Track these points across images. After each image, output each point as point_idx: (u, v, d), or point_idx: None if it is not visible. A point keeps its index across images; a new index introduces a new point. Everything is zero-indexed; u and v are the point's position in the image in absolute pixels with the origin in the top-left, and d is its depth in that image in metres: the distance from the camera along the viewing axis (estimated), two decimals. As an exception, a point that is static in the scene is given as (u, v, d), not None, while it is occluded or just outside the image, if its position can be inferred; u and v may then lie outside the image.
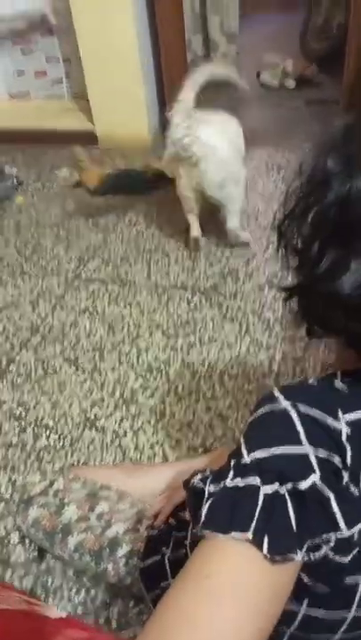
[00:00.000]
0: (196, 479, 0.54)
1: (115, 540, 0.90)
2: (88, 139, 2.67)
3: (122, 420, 1.29)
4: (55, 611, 0.68)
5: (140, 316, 1.59)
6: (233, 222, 1.75)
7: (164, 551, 0.85)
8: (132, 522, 0.91)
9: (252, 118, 2.78)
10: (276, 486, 0.43)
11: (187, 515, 0.89)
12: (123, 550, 0.89)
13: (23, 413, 1.34)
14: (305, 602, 0.49)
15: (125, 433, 1.26)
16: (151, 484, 1.01)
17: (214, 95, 3.01)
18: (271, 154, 2.36)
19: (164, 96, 2.50)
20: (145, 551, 0.86)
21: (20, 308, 1.69)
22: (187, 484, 0.58)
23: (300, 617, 0.50)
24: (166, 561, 0.84)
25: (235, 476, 0.45)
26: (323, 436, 0.45)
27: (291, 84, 2.97)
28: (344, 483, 0.44)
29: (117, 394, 1.36)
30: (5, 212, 2.23)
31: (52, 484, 1.01)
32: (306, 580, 0.47)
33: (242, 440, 0.47)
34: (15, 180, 2.35)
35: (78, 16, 2.35)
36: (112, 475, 1.05)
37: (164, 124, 2.60)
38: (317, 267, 0.47)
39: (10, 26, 2.86)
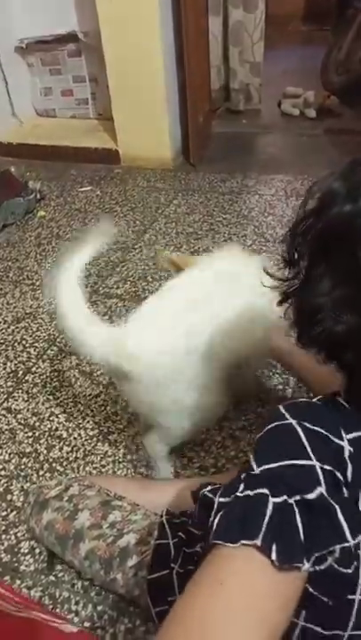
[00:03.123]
0: (206, 490, 0.56)
1: (126, 550, 0.90)
2: (111, 158, 2.73)
3: (135, 436, 1.29)
4: (68, 627, 0.68)
5: (156, 334, 1.60)
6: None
7: (173, 566, 0.85)
8: (144, 534, 0.92)
9: (271, 145, 2.84)
10: (284, 497, 0.44)
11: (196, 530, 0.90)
12: (132, 561, 0.89)
13: (37, 423, 1.35)
14: (303, 613, 0.50)
15: (138, 448, 1.26)
16: (163, 499, 1.01)
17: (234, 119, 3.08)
18: (291, 181, 2.40)
19: (187, 120, 2.56)
20: (153, 563, 0.86)
21: (38, 319, 1.71)
22: (196, 494, 0.59)
23: (298, 629, 0.51)
24: (174, 575, 0.84)
25: (245, 488, 0.46)
26: (327, 451, 0.47)
27: (311, 113, 3.03)
28: (345, 497, 0.46)
29: (131, 409, 1.37)
30: (27, 224, 2.28)
31: (67, 488, 1.02)
32: (311, 589, 0.48)
33: (251, 455, 0.49)
34: (38, 195, 2.40)
35: (107, 39, 2.42)
36: (126, 486, 1.05)
37: (185, 148, 2.67)
38: (305, 279, 0.52)
39: (40, 47, 2.95)
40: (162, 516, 0.90)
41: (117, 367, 0.93)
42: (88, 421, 1.34)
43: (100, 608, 0.96)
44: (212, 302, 0.98)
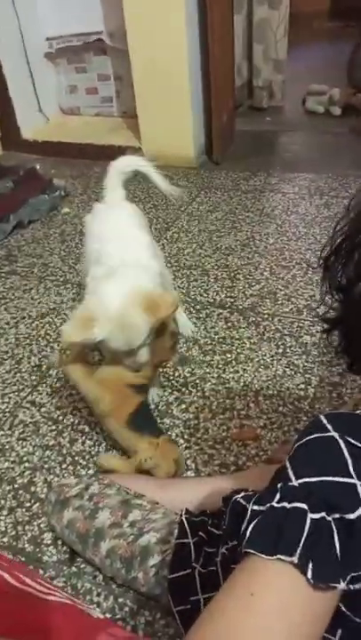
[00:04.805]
0: (239, 497, 0.55)
1: (146, 548, 0.91)
2: (135, 155, 2.74)
3: (156, 432, 1.30)
4: (95, 612, 0.69)
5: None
6: None
7: (194, 565, 0.85)
8: (165, 532, 0.92)
9: (295, 143, 2.82)
10: (323, 514, 0.43)
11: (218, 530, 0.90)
12: (154, 560, 0.90)
13: (60, 417, 1.37)
14: (339, 632, 0.49)
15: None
16: (183, 497, 1.02)
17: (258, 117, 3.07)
18: (314, 179, 2.38)
19: (211, 118, 2.56)
20: (174, 563, 0.87)
21: (62, 314, 1.74)
22: (227, 500, 0.59)
23: None
24: (196, 575, 0.84)
25: (282, 499, 0.45)
26: None
27: (336, 111, 3.00)
28: None
29: (152, 405, 1.38)
30: (52, 221, 2.31)
31: (87, 487, 1.03)
32: (343, 608, 0.47)
33: (288, 464, 0.48)
34: (63, 192, 2.43)
35: (133, 37, 2.43)
36: (145, 485, 1.06)
37: (209, 145, 2.67)
38: (353, 304, 0.49)
39: (66, 45, 2.98)
40: (181, 515, 0.91)
41: None
42: (110, 416, 1.36)
43: (120, 600, 0.98)
44: None
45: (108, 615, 0.96)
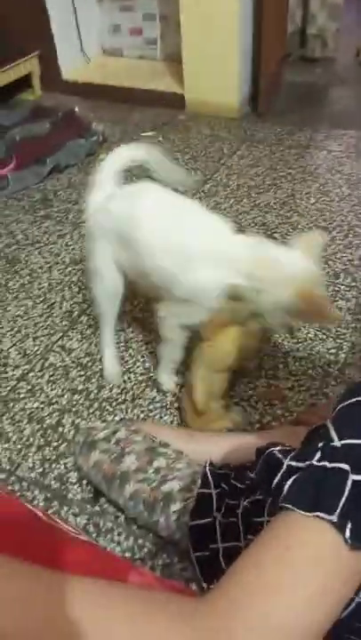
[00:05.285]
0: (276, 449, 0.55)
1: (169, 495, 0.93)
2: (176, 102, 2.65)
3: (183, 385, 1.31)
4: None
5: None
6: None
7: (215, 515, 0.87)
8: (188, 482, 0.94)
9: (345, 98, 2.68)
10: None
11: (240, 483, 0.91)
12: (176, 506, 0.93)
13: (90, 363, 1.39)
14: None
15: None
16: (207, 449, 1.03)
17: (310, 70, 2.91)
18: (363, 137, 2.27)
19: (260, 67, 2.44)
20: (196, 510, 0.89)
21: (95, 262, 1.73)
22: (261, 452, 0.59)
23: (353, 605, 0.50)
24: (217, 524, 0.86)
25: (322, 458, 0.45)
26: None
27: (393, 65, 2.83)
28: None
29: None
30: (89, 167, 2.26)
31: (114, 432, 1.05)
32: None
33: (330, 425, 0.47)
34: (101, 137, 2.38)
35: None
36: (173, 435, 1.08)
37: (254, 96, 2.55)
38: None
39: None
40: (205, 467, 0.92)
41: None
42: (138, 366, 1.37)
43: (140, 541, 1.01)
44: None
45: (127, 554, 1.00)
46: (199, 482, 0.92)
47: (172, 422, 1.24)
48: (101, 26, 3.07)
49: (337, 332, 1.42)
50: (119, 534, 1.03)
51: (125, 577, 0.55)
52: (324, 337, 1.41)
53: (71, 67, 2.94)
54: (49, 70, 2.90)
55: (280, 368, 1.33)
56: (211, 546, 0.86)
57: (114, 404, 1.28)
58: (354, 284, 1.56)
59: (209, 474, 0.92)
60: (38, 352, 1.44)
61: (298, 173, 2.09)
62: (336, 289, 1.55)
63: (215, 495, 0.89)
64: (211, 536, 0.86)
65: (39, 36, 2.78)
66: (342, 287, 1.55)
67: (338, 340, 1.39)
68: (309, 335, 1.41)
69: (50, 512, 1.02)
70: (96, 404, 1.29)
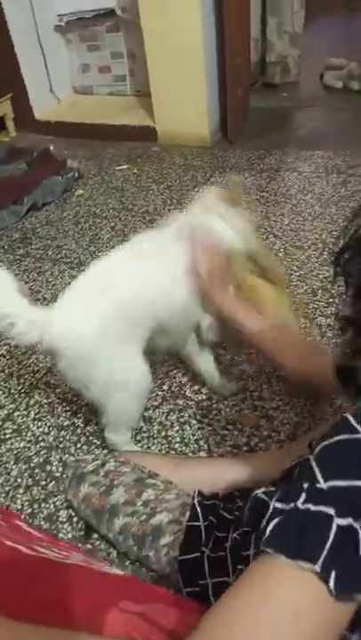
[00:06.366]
0: (260, 492, 0.54)
1: (158, 528, 0.92)
2: (148, 135, 2.72)
3: (169, 413, 1.32)
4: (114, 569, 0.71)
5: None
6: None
7: (204, 549, 0.86)
8: (177, 513, 0.93)
9: (312, 120, 2.76)
10: (350, 520, 0.41)
11: (228, 514, 0.91)
12: (165, 540, 0.91)
13: (75, 398, 1.39)
14: (357, 632, 0.48)
15: (172, 425, 1.28)
16: (195, 478, 1.03)
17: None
18: (331, 157, 2.34)
19: (226, 95, 2.51)
20: (185, 544, 0.87)
21: (76, 297, 1.74)
22: (244, 494, 0.58)
23: None
24: (205, 559, 0.84)
25: (307, 500, 0.43)
26: None
27: (355, 85, 2.93)
28: None
29: (165, 386, 1.39)
30: (65, 203, 2.31)
31: (103, 464, 1.05)
32: None
33: (315, 463, 0.46)
34: (76, 173, 2.42)
35: (145, 13, 2.39)
36: (160, 464, 1.08)
37: (224, 124, 2.62)
38: None
39: (77, 17, 2.93)
40: (194, 498, 0.92)
41: (47, 347, 0.99)
42: (124, 398, 1.37)
43: (134, 576, 1.00)
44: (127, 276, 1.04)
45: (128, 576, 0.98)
46: (188, 514, 0.91)
47: (159, 451, 1.23)
48: (71, 65, 3.16)
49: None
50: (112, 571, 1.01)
51: (109, 606, 0.55)
52: (306, 355, 1.42)
53: (43, 107, 3.02)
54: (22, 111, 2.97)
55: (264, 389, 1.34)
56: (200, 582, 0.84)
57: (101, 436, 1.28)
58: (332, 299, 1.58)
59: (197, 506, 0.91)
60: (23, 391, 1.43)
61: (270, 196, 2.14)
62: (315, 306, 1.57)
63: (203, 528, 0.88)
64: (200, 571, 0.84)
65: (10, 78, 2.86)
66: (321, 304, 1.58)
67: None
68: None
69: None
70: (83, 439, 1.28)
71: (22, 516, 1.13)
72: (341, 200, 2.04)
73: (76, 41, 3.05)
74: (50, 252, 2.00)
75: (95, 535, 1.07)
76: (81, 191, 2.37)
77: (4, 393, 1.43)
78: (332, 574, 0.39)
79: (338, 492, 0.43)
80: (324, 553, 0.40)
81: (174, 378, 1.41)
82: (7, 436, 1.31)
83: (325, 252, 1.78)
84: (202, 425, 1.28)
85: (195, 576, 0.84)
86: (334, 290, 1.61)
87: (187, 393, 1.36)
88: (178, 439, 1.25)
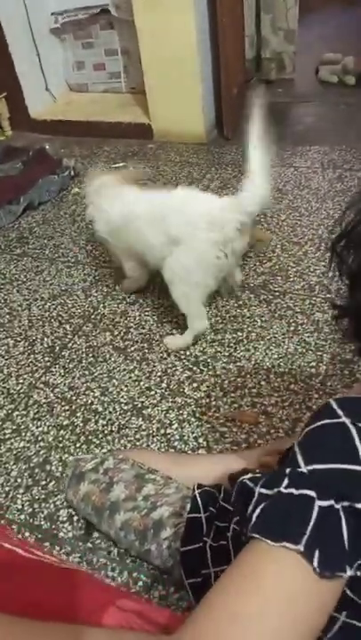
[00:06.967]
0: (246, 478, 0.55)
1: (159, 522, 0.93)
2: (144, 132, 2.71)
3: (168, 411, 1.32)
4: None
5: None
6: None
7: (205, 539, 0.87)
8: (178, 506, 0.94)
9: (307, 115, 2.75)
10: (331, 501, 0.43)
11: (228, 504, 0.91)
12: (166, 533, 0.92)
13: (74, 397, 1.39)
14: (344, 613, 0.49)
15: (171, 423, 1.29)
16: (195, 473, 1.03)
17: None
18: (327, 152, 2.33)
19: (221, 92, 2.51)
20: (186, 536, 0.88)
21: (74, 295, 1.75)
22: (233, 478, 0.59)
23: (338, 624, 0.50)
24: (207, 549, 0.86)
25: (289, 485, 0.45)
26: None
27: (350, 80, 2.92)
28: None
29: (164, 384, 1.39)
30: (62, 202, 2.30)
31: (102, 462, 1.05)
32: (348, 593, 0.47)
33: (297, 449, 0.47)
34: (72, 172, 2.41)
35: (139, 11, 2.37)
36: (159, 460, 1.08)
37: (219, 120, 2.61)
38: None
39: (72, 19, 2.92)
40: (194, 490, 0.92)
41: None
42: (122, 396, 1.37)
43: (135, 575, 1.00)
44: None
45: (122, 589, 0.99)
46: (188, 506, 0.92)
47: (159, 449, 1.23)
48: (65, 63, 3.15)
49: (316, 344, 1.43)
50: (113, 569, 1.02)
51: (106, 606, 0.55)
52: (304, 350, 1.42)
53: (38, 105, 3.00)
54: (17, 111, 2.95)
55: (262, 385, 1.34)
56: (203, 571, 0.85)
57: (100, 436, 1.28)
58: (329, 295, 1.58)
59: (198, 497, 0.91)
60: (22, 391, 1.43)
61: (267, 192, 2.13)
62: (312, 302, 1.57)
63: (204, 519, 0.89)
64: (202, 561, 0.86)
65: (4, 77, 2.84)
66: (318, 300, 1.58)
67: (318, 353, 1.41)
68: (289, 350, 1.43)
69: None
70: (83, 438, 1.28)
71: (22, 516, 1.13)
72: (337, 195, 2.04)
73: (69, 39, 3.04)
74: (47, 251, 2.00)
75: (96, 534, 1.07)
76: (77, 189, 2.37)
77: (2, 393, 1.43)
78: (316, 553, 0.41)
79: (318, 476, 0.44)
80: (307, 533, 0.42)
81: (173, 376, 1.41)
82: (7, 436, 1.31)
83: (323, 248, 1.78)
84: (200, 422, 1.28)
85: (197, 566, 0.85)
86: (332, 286, 1.61)
87: (185, 390, 1.37)
88: (177, 437, 1.25)
